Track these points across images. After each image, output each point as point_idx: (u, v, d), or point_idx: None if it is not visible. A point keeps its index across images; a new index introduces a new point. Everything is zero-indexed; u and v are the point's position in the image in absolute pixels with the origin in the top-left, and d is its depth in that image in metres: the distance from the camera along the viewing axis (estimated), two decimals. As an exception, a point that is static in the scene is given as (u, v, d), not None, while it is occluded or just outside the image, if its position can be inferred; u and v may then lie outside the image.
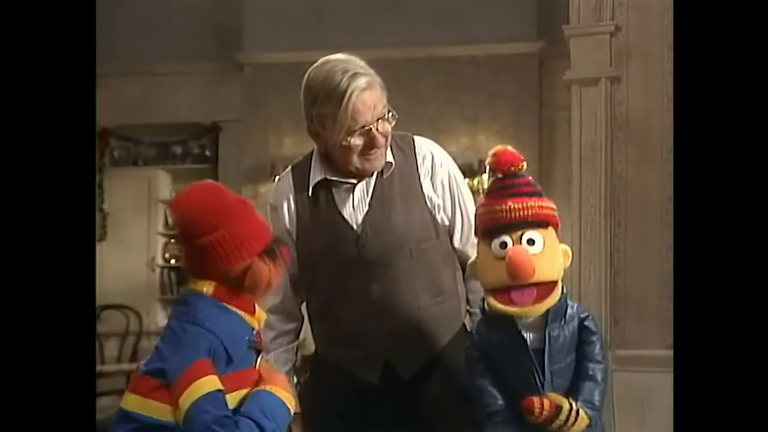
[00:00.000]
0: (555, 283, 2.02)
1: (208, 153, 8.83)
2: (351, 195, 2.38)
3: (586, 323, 2.05)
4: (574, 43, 5.26)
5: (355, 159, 2.32)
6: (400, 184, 2.39)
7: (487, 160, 2.10)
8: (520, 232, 2.01)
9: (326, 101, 2.26)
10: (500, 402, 2.07)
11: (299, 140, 7.77)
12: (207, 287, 1.92)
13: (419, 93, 7.55)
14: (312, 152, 2.44)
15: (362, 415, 2.36)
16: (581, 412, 2.00)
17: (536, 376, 2.02)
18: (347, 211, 2.37)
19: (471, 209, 2.44)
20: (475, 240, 2.42)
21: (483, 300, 2.14)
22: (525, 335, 2.04)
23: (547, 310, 2.01)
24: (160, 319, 8.78)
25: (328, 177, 2.38)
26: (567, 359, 2.04)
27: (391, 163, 2.38)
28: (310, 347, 2.57)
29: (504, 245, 2.02)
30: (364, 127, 2.27)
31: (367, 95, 2.25)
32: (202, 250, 1.90)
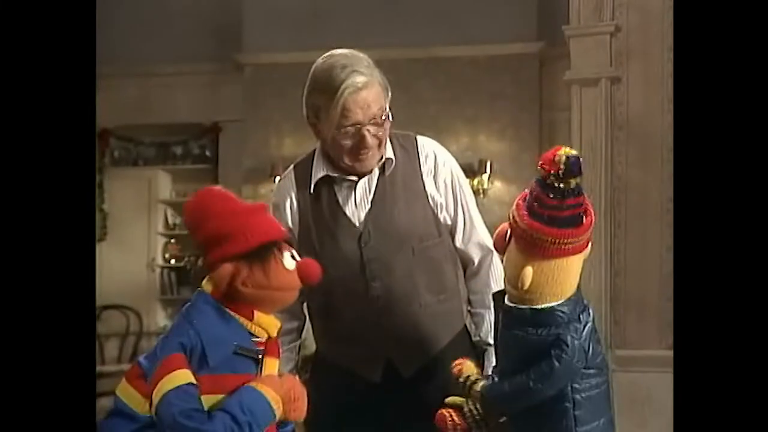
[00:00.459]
0: (509, 284, 2.00)
1: (208, 153, 8.84)
2: (353, 192, 2.38)
3: (551, 350, 1.94)
4: (574, 43, 5.27)
5: (345, 156, 2.32)
6: (403, 183, 2.39)
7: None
8: None
9: (321, 93, 2.27)
10: None
11: (299, 141, 7.77)
12: (208, 286, 1.92)
13: (419, 93, 7.55)
14: (314, 150, 2.44)
15: (363, 413, 2.36)
16: (474, 386, 2.05)
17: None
18: (349, 209, 2.38)
19: (473, 209, 2.45)
20: (476, 239, 2.43)
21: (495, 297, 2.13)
22: (506, 329, 2.05)
23: (516, 308, 1.99)
24: (160, 319, 8.79)
25: (330, 174, 2.38)
26: (521, 363, 1.98)
27: (392, 159, 2.38)
28: (310, 347, 2.57)
29: None
30: (354, 125, 2.26)
31: (362, 95, 2.25)
32: (198, 244, 1.95)
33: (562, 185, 1.87)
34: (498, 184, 7.77)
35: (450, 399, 2.10)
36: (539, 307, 1.95)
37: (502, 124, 7.90)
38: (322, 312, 2.44)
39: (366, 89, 2.25)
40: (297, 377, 1.98)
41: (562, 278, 1.95)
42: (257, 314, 1.91)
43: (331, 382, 2.41)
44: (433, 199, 2.41)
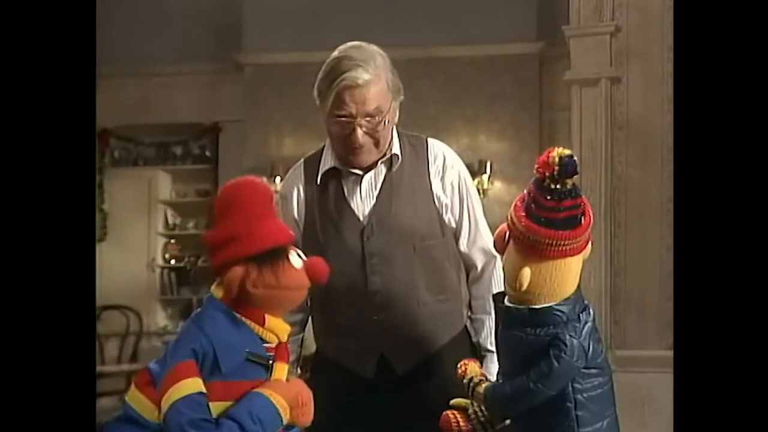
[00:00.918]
0: (507, 284, 2.00)
1: (208, 153, 8.84)
2: (359, 186, 2.39)
3: (550, 350, 1.94)
4: (574, 43, 5.27)
5: (339, 147, 2.35)
6: (410, 181, 2.40)
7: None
8: None
9: (324, 78, 2.31)
10: None
11: (299, 141, 7.79)
12: (218, 292, 1.91)
13: (419, 94, 7.54)
14: (324, 145, 2.46)
15: (356, 409, 2.36)
16: (478, 387, 2.05)
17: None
18: (354, 202, 2.39)
19: (479, 214, 2.45)
20: (481, 244, 2.43)
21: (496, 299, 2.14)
22: (506, 329, 2.05)
23: (515, 309, 1.99)
24: (160, 319, 8.80)
25: (337, 166, 2.40)
26: (522, 364, 1.98)
27: (398, 155, 2.39)
28: (310, 348, 2.57)
29: None
30: (345, 117, 2.28)
31: (359, 91, 2.26)
32: (212, 242, 1.93)
33: (558, 186, 1.87)
34: (498, 185, 7.77)
35: (455, 401, 2.11)
36: (537, 307, 1.95)
37: (502, 124, 7.90)
38: (321, 305, 2.44)
39: (366, 87, 2.26)
40: (299, 371, 1.99)
41: (561, 279, 1.95)
42: (268, 319, 1.91)
43: (329, 380, 2.41)
44: (438, 199, 2.41)
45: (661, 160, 4.98)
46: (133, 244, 8.74)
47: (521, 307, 1.97)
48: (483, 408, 2.07)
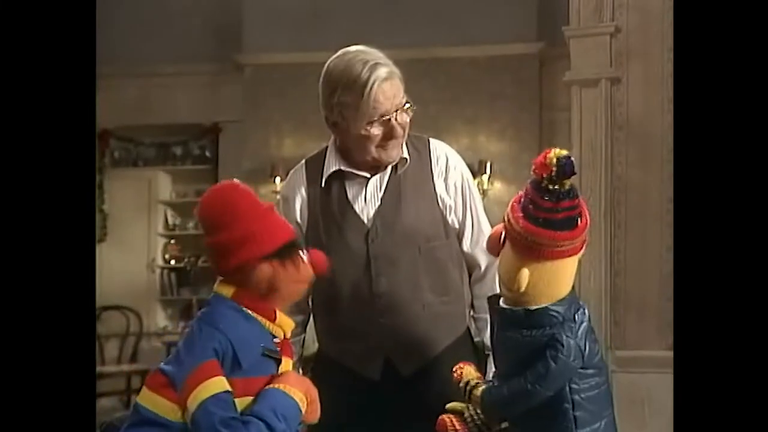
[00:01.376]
0: (503, 285, 2.00)
1: (208, 154, 8.84)
2: (364, 189, 2.39)
3: (546, 351, 1.93)
4: (574, 44, 5.26)
5: (373, 149, 2.33)
6: (413, 182, 2.40)
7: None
8: None
9: (347, 91, 2.28)
10: None
11: (299, 141, 7.79)
12: (227, 290, 1.92)
13: (420, 94, 7.47)
14: (326, 146, 2.46)
15: (361, 411, 2.36)
16: (474, 391, 2.04)
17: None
18: (359, 205, 2.39)
19: (482, 214, 2.45)
20: (483, 245, 2.42)
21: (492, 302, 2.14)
22: (502, 331, 2.05)
23: (510, 310, 1.99)
24: (160, 320, 8.80)
25: (343, 168, 2.40)
26: (519, 365, 1.98)
27: (406, 159, 2.39)
28: (310, 348, 2.57)
29: None
30: (383, 116, 2.28)
31: (388, 85, 2.27)
32: (209, 249, 1.93)
33: (556, 187, 1.87)
34: (498, 185, 7.77)
35: (451, 405, 2.11)
36: (533, 308, 1.95)
37: (502, 124, 7.90)
38: (325, 307, 2.45)
39: (390, 80, 2.28)
40: (300, 371, 1.99)
41: (557, 280, 1.95)
42: (279, 314, 1.93)
43: (332, 380, 2.41)
44: (442, 200, 2.42)
45: (661, 161, 4.97)
46: (133, 245, 8.75)
47: (517, 308, 1.97)
48: (479, 411, 2.06)
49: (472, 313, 2.51)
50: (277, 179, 7.66)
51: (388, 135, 2.31)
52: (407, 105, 2.32)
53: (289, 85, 7.83)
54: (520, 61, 7.82)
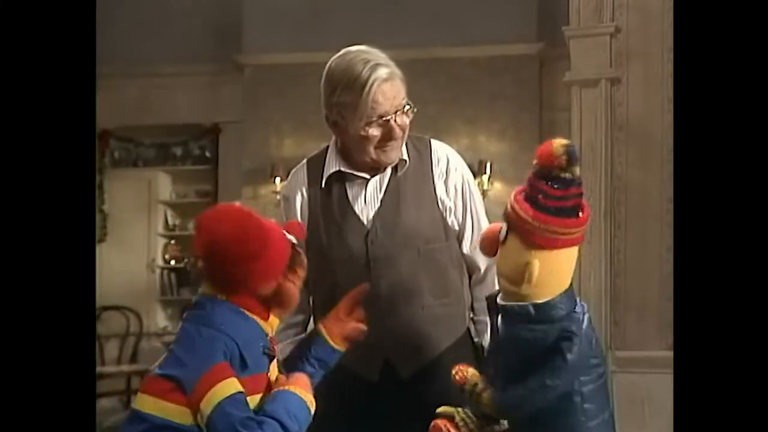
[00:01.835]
0: (508, 282, 1.99)
1: (208, 154, 8.83)
2: (364, 190, 2.39)
3: (561, 343, 1.93)
4: (574, 44, 5.26)
5: (371, 150, 2.33)
6: (414, 184, 2.40)
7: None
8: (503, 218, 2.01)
9: (346, 90, 2.28)
10: None
11: (299, 141, 7.78)
12: (220, 292, 1.93)
13: (419, 94, 7.47)
14: (328, 146, 2.46)
15: (360, 413, 2.36)
16: (484, 394, 2.02)
17: (495, 366, 2.05)
18: (359, 206, 2.39)
19: (482, 217, 2.45)
20: None
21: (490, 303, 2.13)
22: (499, 325, 2.04)
23: (517, 306, 1.98)
24: (160, 320, 8.79)
25: (343, 169, 2.40)
26: (528, 363, 1.97)
27: (406, 160, 2.39)
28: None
29: None
30: (382, 117, 2.28)
31: (388, 86, 2.27)
32: (237, 276, 1.91)
33: (567, 175, 1.90)
34: (498, 185, 7.76)
35: (441, 409, 2.10)
36: (540, 302, 1.95)
37: (502, 124, 7.89)
38: (325, 307, 2.41)
39: (390, 81, 2.28)
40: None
41: (564, 269, 1.97)
42: (271, 315, 1.96)
43: (331, 381, 2.41)
44: (442, 202, 2.41)
45: (661, 161, 4.97)
46: (133, 245, 8.73)
47: (524, 303, 1.96)
48: (470, 413, 2.06)
49: (471, 315, 2.50)
50: (277, 179, 7.65)
51: (387, 136, 2.30)
52: (407, 107, 2.31)
53: (290, 85, 7.82)
54: (520, 61, 7.80)
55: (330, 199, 2.41)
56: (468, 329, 2.49)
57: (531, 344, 1.96)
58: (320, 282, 2.43)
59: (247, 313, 1.91)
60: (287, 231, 1.99)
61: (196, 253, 1.97)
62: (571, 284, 2.00)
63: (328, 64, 2.35)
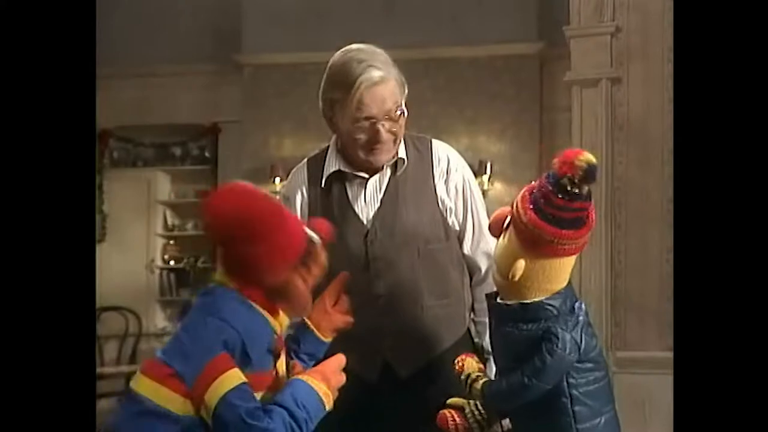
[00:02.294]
0: (498, 274, 2.01)
1: (207, 154, 8.81)
2: (363, 190, 2.39)
3: (542, 344, 1.93)
4: (574, 44, 5.27)
5: (360, 150, 2.33)
6: (414, 184, 2.40)
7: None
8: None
9: (337, 87, 2.29)
10: None
11: (299, 141, 7.77)
12: (231, 282, 1.90)
13: (419, 94, 7.49)
14: (328, 146, 2.46)
15: (359, 413, 2.34)
16: (475, 384, 2.04)
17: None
18: (359, 206, 2.39)
19: (483, 217, 2.44)
20: (485, 247, 2.42)
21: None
22: (499, 326, 2.05)
23: (505, 304, 1.99)
24: (159, 320, 8.77)
25: (342, 169, 2.40)
26: (516, 359, 1.98)
27: (404, 159, 2.39)
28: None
29: None
30: (369, 119, 2.28)
31: (378, 90, 2.26)
32: (241, 259, 1.87)
33: (576, 190, 1.86)
34: (498, 185, 7.75)
35: (452, 400, 2.11)
36: (528, 301, 1.95)
37: (502, 124, 7.88)
38: None
39: (382, 84, 2.27)
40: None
41: (553, 276, 1.96)
42: (280, 312, 1.94)
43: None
44: (442, 202, 2.41)
45: (661, 161, 4.97)
46: (132, 245, 8.71)
47: (511, 302, 1.97)
48: (480, 406, 2.07)
49: (472, 316, 2.49)
50: (277, 180, 7.64)
51: (374, 139, 2.30)
52: (399, 112, 2.30)
53: (289, 85, 7.82)
54: (521, 61, 7.79)
55: (330, 198, 2.41)
56: (468, 330, 2.48)
57: (516, 342, 1.97)
58: (320, 283, 2.42)
59: (256, 306, 1.89)
60: (312, 227, 1.97)
61: (206, 234, 1.94)
62: (569, 284, 2.00)
63: (332, 59, 2.36)
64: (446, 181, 2.43)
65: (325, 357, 2.48)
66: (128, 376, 7.65)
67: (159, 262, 8.87)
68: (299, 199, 2.44)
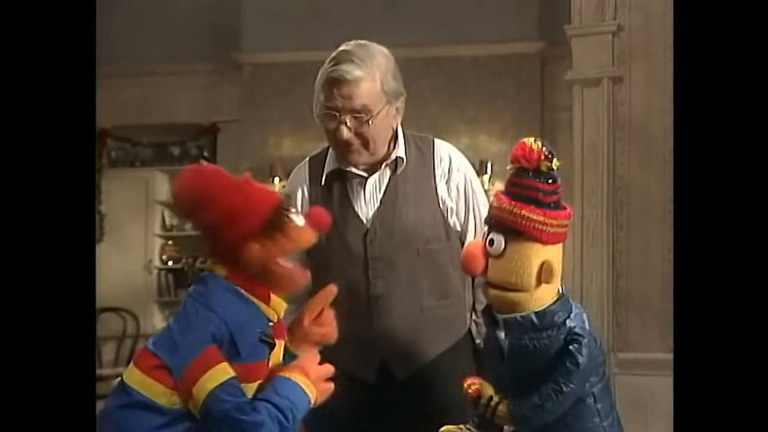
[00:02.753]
0: (516, 291, 1.96)
1: (206, 154, 8.82)
2: (363, 189, 2.39)
3: (570, 347, 1.94)
4: (575, 43, 5.25)
5: (331, 144, 2.37)
6: (414, 183, 2.39)
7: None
8: (489, 230, 1.98)
9: (321, 70, 2.34)
10: None
11: (298, 141, 7.77)
12: (221, 269, 1.89)
13: (420, 94, 7.52)
14: (329, 145, 2.45)
15: (355, 413, 2.34)
16: (500, 406, 1.99)
17: (499, 379, 2.03)
18: (359, 205, 2.39)
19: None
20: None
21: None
22: (500, 337, 2.02)
23: (520, 317, 1.96)
24: (157, 321, 8.76)
25: (342, 167, 2.39)
26: (538, 372, 1.96)
27: (403, 158, 2.38)
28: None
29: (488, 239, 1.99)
30: (331, 110, 2.29)
31: (347, 85, 2.27)
32: (205, 228, 1.89)
33: (553, 169, 1.92)
34: (499, 185, 7.71)
35: (445, 428, 2.08)
36: (542, 309, 1.95)
37: (503, 124, 7.89)
38: None
39: (355, 83, 2.27)
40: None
41: (559, 269, 1.97)
42: (273, 297, 1.90)
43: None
44: (443, 202, 2.41)
45: (663, 161, 4.95)
46: (130, 246, 8.72)
47: (526, 314, 1.95)
48: (474, 429, 2.06)
49: (474, 317, 2.49)
50: (276, 179, 7.63)
51: (337, 135, 2.30)
52: (363, 115, 2.28)
53: (288, 84, 7.82)
54: (521, 60, 7.81)
55: (331, 197, 2.40)
56: (469, 331, 2.48)
57: (537, 353, 1.96)
58: (319, 281, 2.41)
59: (247, 294, 1.87)
60: (308, 216, 1.94)
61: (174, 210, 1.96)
62: (562, 288, 2.01)
63: None
64: (448, 181, 2.42)
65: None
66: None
67: (157, 263, 8.88)
68: (300, 198, 2.44)
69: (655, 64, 5.01)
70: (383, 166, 2.39)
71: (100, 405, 1.85)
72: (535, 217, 1.91)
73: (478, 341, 2.46)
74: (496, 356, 2.05)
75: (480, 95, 7.87)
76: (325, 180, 2.42)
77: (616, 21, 5.10)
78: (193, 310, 1.84)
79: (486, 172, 7.64)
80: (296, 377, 1.87)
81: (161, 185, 8.97)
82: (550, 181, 1.92)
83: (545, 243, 1.92)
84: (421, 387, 2.35)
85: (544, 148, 1.91)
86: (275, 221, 1.86)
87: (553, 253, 1.94)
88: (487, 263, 1.96)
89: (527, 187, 1.91)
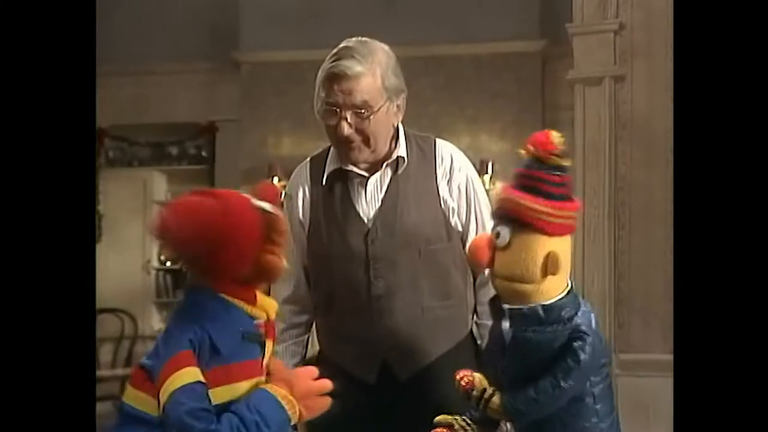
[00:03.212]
0: (522, 282, 1.95)
1: (204, 153, 8.83)
2: (364, 189, 2.38)
3: (573, 344, 1.92)
4: (577, 41, 5.25)
5: (332, 141, 2.35)
6: (416, 183, 2.39)
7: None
8: (496, 222, 1.98)
9: (322, 65, 2.33)
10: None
11: (297, 140, 7.77)
12: (202, 280, 1.88)
13: (420, 93, 7.51)
14: (330, 145, 2.44)
15: (356, 414, 2.32)
16: (494, 399, 1.98)
17: (499, 372, 2.02)
18: (360, 205, 2.38)
19: (487, 217, 2.41)
20: None
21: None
22: (504, 329, 2.00)
23: (527, 309, 1.95)
24: (155, 322, 8.77)
25: (343, 167, 2.38)
26: (538, 366, 1.95)
27: (404, 158, 2.38)
28: (314, 347, 2.56)
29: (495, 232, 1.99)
30: (331, 105, 2.28)
31: (348, 81, 2.27)
32: (205, 268, 1.85)
33: (564, 163, 1.92)
34: (500, 185, 7.73)
35: (439, 418, 2.09)
36: (549, 303, 1.94)
37: (504, 123, 7.90)
38: (324, 307, 2.44)
39: (355, 78, 2.26)
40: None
41: (568, 262, 1.97)
42: (259, 297, 1.90)
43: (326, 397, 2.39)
44: (445, 202, 2.40)
45: (665, 160, 4.94)
46: (128, 246, 8.72)
47: (533, 305, 1.94)
48: (470, 422, 2.06)
49: (475, 318, 2.48)
50: (275, 179, 7.61)
51: (337, 131, 2.29)
52: (365, 112, 2.28)
53: (287, 83, 7.83)
54: (523, 59, 7.81)
55: (332, 197, 2.40)
56: (471, 332, 2.47)
57: (539, 347, 1.95)
58: (320, 281, 2.44)
59: (230, 299, 1.86)
60: (258, 197, 1.91)
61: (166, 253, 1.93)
62: (571, 284, 2.00)
63: None
64: (449, 181, 2.42)
65: (325, 359, 2.46)
66: (123, 380, 7.62)
67: (155, 263, 8.89)
68: (301, 198, 2.44)
69: (657, 63, 5.00)
70: (384, 165, 2.38)
71: (99, 406, 1.85)
72: (539, 208, 1.90)
73: (479, 342, 2.45)
74: (497, 348, 2.04)
75: (481, 94, 7.88)
76: (326, 180, 2.41)
77: (618, 19, 5.09)
78: (174, 323, 1.86)
79: (487, 172, 7.64)
80: (275, 390, 1.85)
81: (159, 185, 8.98)
82: (558, 173, 1.92)
83: (550, 234, 1.91)
84: (423, 388, 2.35)
85: (561, 144, 1.92)
86: (270, 227, 1.88)
87: (559, 245, 1.93)
88: (493, 256, 1.96)
89: (535, 179, 1.91)
